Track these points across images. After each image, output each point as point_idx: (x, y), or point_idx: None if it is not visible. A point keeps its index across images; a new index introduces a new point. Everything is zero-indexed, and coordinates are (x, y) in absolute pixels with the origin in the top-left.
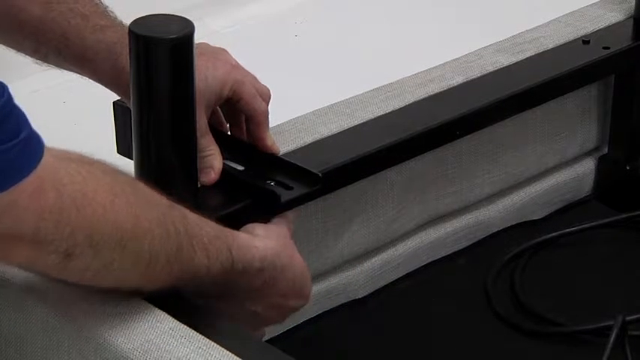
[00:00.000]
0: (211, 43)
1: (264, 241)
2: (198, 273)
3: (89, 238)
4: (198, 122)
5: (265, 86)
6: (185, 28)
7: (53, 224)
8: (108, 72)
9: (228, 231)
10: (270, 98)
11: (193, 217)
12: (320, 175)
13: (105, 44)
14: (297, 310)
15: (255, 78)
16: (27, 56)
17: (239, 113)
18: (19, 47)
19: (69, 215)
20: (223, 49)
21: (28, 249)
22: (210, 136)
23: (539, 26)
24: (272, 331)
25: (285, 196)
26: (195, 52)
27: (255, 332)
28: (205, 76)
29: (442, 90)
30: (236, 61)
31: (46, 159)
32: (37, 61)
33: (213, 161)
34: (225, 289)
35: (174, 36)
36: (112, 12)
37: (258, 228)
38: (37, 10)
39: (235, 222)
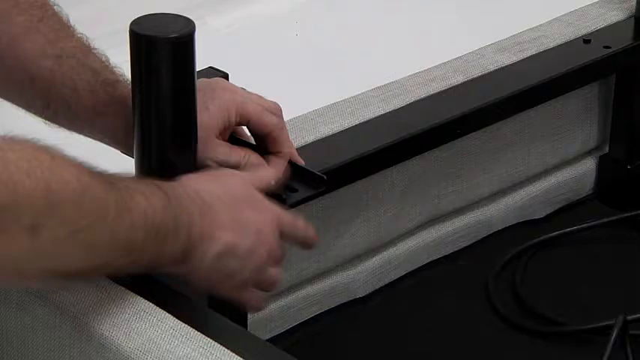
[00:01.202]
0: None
1: (183, 176)
2: (147, 212)
3: (48, 203)
4: (214, 149)
5: (273, 102)
6: (186, 28)
7: (9, 200)
8: (120, 126)
9: (147, 178)
10: (281, 112)
11: (110, 173)
12: (325, 177)
13: (116, 98)
14: (272, 230)
15: (260, 97)
16: (36, 116)
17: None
18: (29, 104)
19: (22, 185)
20: (219, 78)
21: None
22: (235, 147)
23: (540, 25)
24: (273, 331)
25: (291, 198)
26: (196, 51)
27: (254, 288)
28: (206, 107)
29: (443, 89)
30: (235, 86)
31: None
32: (47, 121)
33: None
34: (182, 237)
35: (175, 35)
36: (120, 69)
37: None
38: (49, 63)
39: None
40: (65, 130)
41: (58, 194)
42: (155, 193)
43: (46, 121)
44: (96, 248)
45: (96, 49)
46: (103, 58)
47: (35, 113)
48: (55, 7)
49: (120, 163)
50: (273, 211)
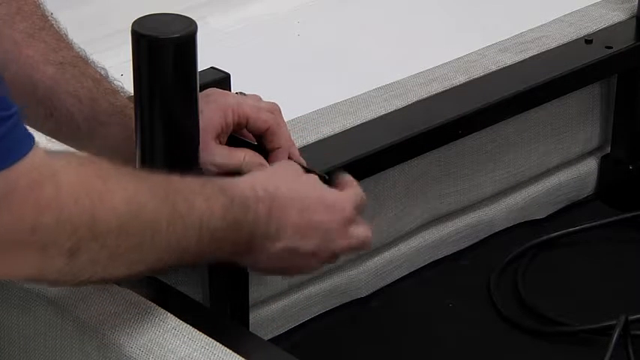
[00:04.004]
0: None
1: (246, 175)
2: (203, 219)
3: (91, 231)
4: (212, 152)
5: (271, 102)
6: (188, 28)
7: (54, 221)
8: (120, 136)
9: (212, 177)
10: (278, 111)
11: (175, 177)
12: (326, 177)
13: (118, 107)
14: (339, 231)
15: (257, 98)
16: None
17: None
18: (32, 113)
19: (69, 210)
20: (213, 88)
21: (32, 256)
22: (234, 149)
23: (542, 25)
24: (275, 331)
25: None
26: (198, 51)
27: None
28: (201, 111)
29: (445, 89)
30: (229, 92)
31: (38, 150)
32: (49, 135)
33: (255, 159)
34: (243, 238)
35: (176, 35)
36: (119, 81)
37: None
38: (51, 70)
39: None
40: (66, 145)
41: (102, 224)
42: (216, 196)
43: (48, 135)
44: (140, 263)
45: (94, 61)
46: (102, 71)
47: (36, 125)
48: (53, 21)
49: None
50: (343, 211)
